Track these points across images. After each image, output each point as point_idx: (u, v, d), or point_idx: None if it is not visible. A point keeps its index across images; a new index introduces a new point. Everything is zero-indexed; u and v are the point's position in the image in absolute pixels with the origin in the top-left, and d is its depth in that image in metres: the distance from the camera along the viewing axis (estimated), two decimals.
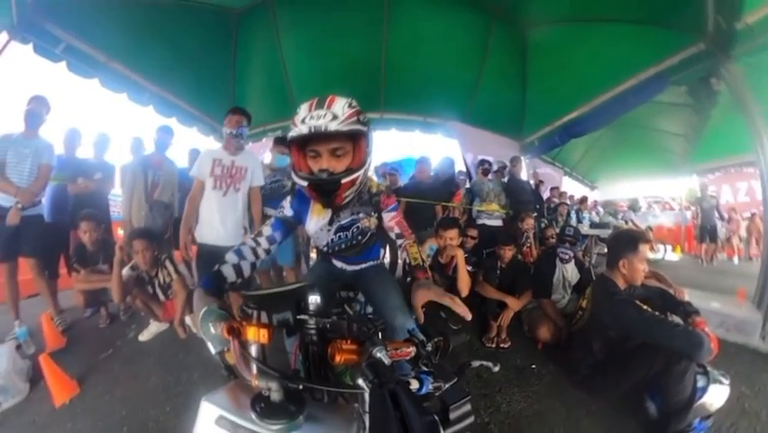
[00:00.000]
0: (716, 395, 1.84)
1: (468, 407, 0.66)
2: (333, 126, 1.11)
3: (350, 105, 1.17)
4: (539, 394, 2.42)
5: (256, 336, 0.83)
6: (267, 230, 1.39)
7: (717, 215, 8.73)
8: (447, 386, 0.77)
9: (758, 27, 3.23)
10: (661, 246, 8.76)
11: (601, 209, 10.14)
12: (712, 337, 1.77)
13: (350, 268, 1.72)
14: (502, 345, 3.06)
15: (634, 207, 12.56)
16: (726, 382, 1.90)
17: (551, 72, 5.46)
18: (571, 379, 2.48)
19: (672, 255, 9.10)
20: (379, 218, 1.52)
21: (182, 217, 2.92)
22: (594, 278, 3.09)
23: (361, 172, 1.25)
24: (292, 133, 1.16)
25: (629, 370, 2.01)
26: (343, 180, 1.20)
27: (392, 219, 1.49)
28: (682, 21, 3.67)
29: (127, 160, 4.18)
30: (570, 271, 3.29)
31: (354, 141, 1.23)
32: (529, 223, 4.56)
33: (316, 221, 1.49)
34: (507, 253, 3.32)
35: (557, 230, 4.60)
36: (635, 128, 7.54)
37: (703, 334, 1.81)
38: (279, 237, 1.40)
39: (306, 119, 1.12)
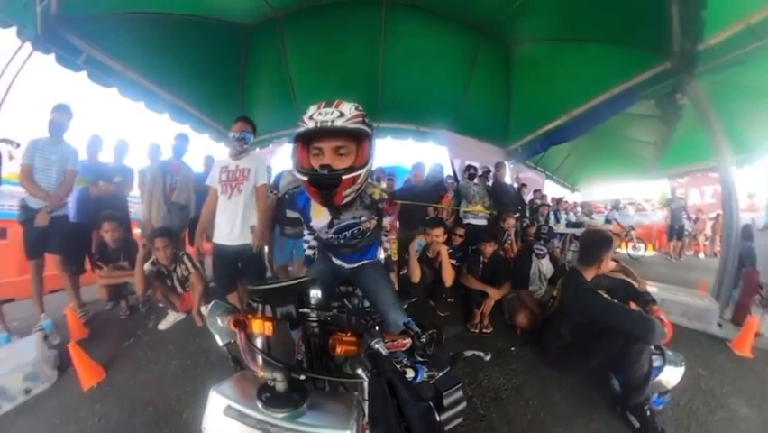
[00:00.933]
0: (671, 374, 1.97)
1: (460, 393, 0.64)
2: (340, 123, 1.07)
3: (356, 108, 1.14)
4: (516, 372, 2.50)
5: (261, 328, 0.83)
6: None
7: (684, 215, 8.93)
8: (441, 374, 0.76)
9: (719, 48, 3.39)
10: (641, 245, 8.93)
11: (580, 210, 10.27)
12: (666, 323, 1.89)
13: (348, 266, 1.71)
14: (485, 331, 3.16)
15: (617, 207, 12.74)
16: (682, 363, 2.01)
17: (533, 86, 5.58)
18: (544, 359, 2.60)
19: (645, 252, 9.31)
20: (379, 222, 1.53)
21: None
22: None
23: (362, 171, 1.17)
24: (299, 129, 1.11)
25: (593, 350, 2.12)
26: (344, 177, 1.12)
27: (387, 222, 1.60)
28: (651, 42, 3.80)
29: (144, 164, 4.19)
30: (545, 266, 3.40)
31: (358, 141, 1.17)
32: (510, 222, 4.65)
33: (317, 220, 1.49)
34: (489, 248, 3.42)
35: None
36: (610, 136, 7.68)
37: (656, 320, 1.92)
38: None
39: (314, 115, 1.08)
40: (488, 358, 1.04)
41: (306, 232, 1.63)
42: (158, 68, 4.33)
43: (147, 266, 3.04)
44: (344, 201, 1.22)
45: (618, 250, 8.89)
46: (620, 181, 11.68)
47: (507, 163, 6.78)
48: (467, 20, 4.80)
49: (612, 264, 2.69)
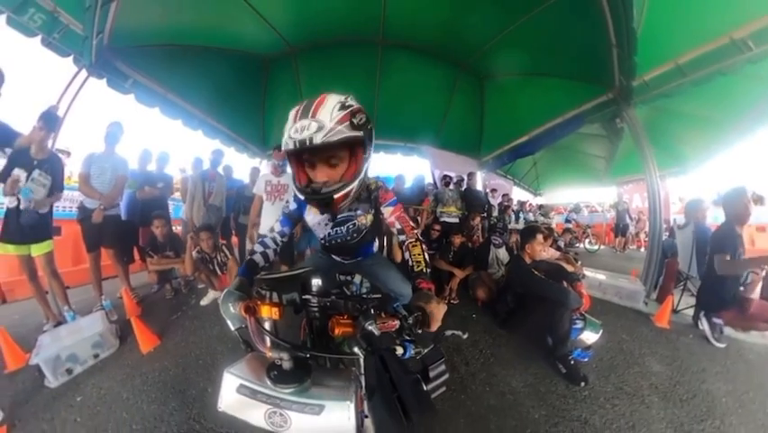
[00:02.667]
0: (589, 335, 2.24)
1: (443, 366, 0.64)
2: (319, 138, 0.84)
3: (342, 107, 0.89)
4: (475, 331, 2.75)
5: (269, 313, 0.81)
6: (277, 226, 1.26)
7: (627, 216, 9.25)
8: (426, 351, 0.76)
9: (653, 83, 3.70)
10: (595, 240, 9.23)
11: (538, 211, 10.52)
12: (585, 296, 2.19)
13: (347, 261, 1.52)
14: (452, 302, 3.48)
15: (576, 209, 13.07)
16: (599, 329, 2.25)
17: (501, 110, 5.79)
18: (496, 322, 2.88)
19: (598, 247, 9.64)
20: (376, 215, 1.26)
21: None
22: None
23: (354, 185, 0.98)
24: (283, 147, 0.91)
25: (529, 313, 2.45)
26: (336, 196, 0.94)
27: (392, 214, 1.19)
28: (596, 77, 4.05)
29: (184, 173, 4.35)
30: (502, 254, 3.68)
31: (352, 149, 0.97)
32: (476, 220, 4.94)
33: (314, 214, 1.27)
34: (457, 240, 3.81)
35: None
36: (567, 151, 8.00)
37: (572, 291, 2.23)
38: (288, 231, 1.27)
39: (291, 132, 0.87)
40: (465, 337, 0.99)
41: (266, 234, 1.28)
42: (193, 91, 4.41)
43: (194, 254, 3.22)
44: (342, 206, 1.05)
45: (577, 244, 9.23)
46: (577, 187, 11.96)
47: (479, 173, 7.03)
48: (447, 58, 4.98)
49: (557, 253, 2.98)
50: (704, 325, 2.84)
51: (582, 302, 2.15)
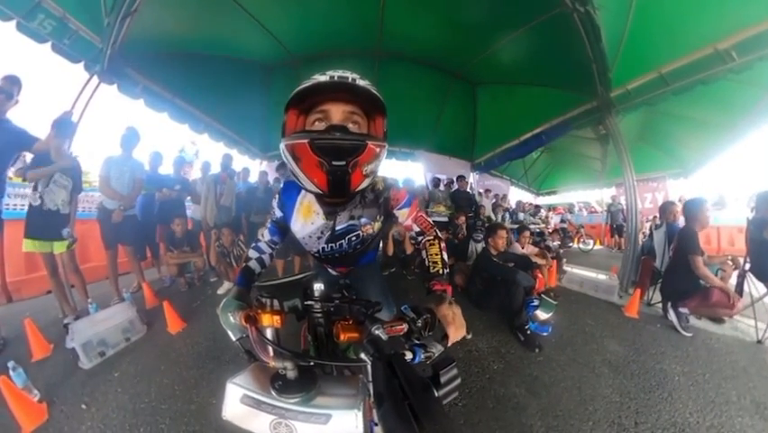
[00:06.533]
0: (542, 313, 2.66)
1: (455, 371, 0.62)
2: (363, 83, 0.77)
3: None
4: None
5: (270, 322, 0.80)
6: (266, 234, 1.17)
7: (621, 216, 9.58)
8: (437, 355, 0.74)
9: (634, 92, 4.10)
10: (590, 240, 9.56)
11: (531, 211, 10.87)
12: (540, 279, 2.75)
13: (342, 273, 1.34)
14: None
15: (571, 209, 13.49)
16: (551, 309, 2.65)
17: (492, 116, 6.29)
18: (470, 302, 3.37)
19: (593, 246, 9.99)
20: (385, 221, 1.12)
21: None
22: None
23: (384, 149, 0.84)
24: (303, 85, 0.77)
25: (492, 292, 2.98)
26: (370, 143, 0.78)
27: (409, 216, 1.08)
28: (581, 87, 4.50)
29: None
30: (480, 247, 4.02)
31: (371, 117, 0.86)
32: (461, 219, 5.36)
33: (302, 224, 1.08)
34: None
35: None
36: (564, 153, 8.51)
37: (518, 270, 2.81)
38: (278, 239, 1.17)
39: (329, 72, 0.77)
40: (469, 336, 0.93)
41: (266, 237, 1.17)
42: (200, 97, 4.79)
43: (216, 247, 3.73)
44: (360, 187, 0.86)
45: (570, 244, 9.64)
46: (576, 188, 12.37)
47: (471, 174, 7.59)
48: (441, 67, 5.41)
49: (535, 250, 3.50)
50: (671, 315, 3.10)
51: (534, 283, 2.70)
